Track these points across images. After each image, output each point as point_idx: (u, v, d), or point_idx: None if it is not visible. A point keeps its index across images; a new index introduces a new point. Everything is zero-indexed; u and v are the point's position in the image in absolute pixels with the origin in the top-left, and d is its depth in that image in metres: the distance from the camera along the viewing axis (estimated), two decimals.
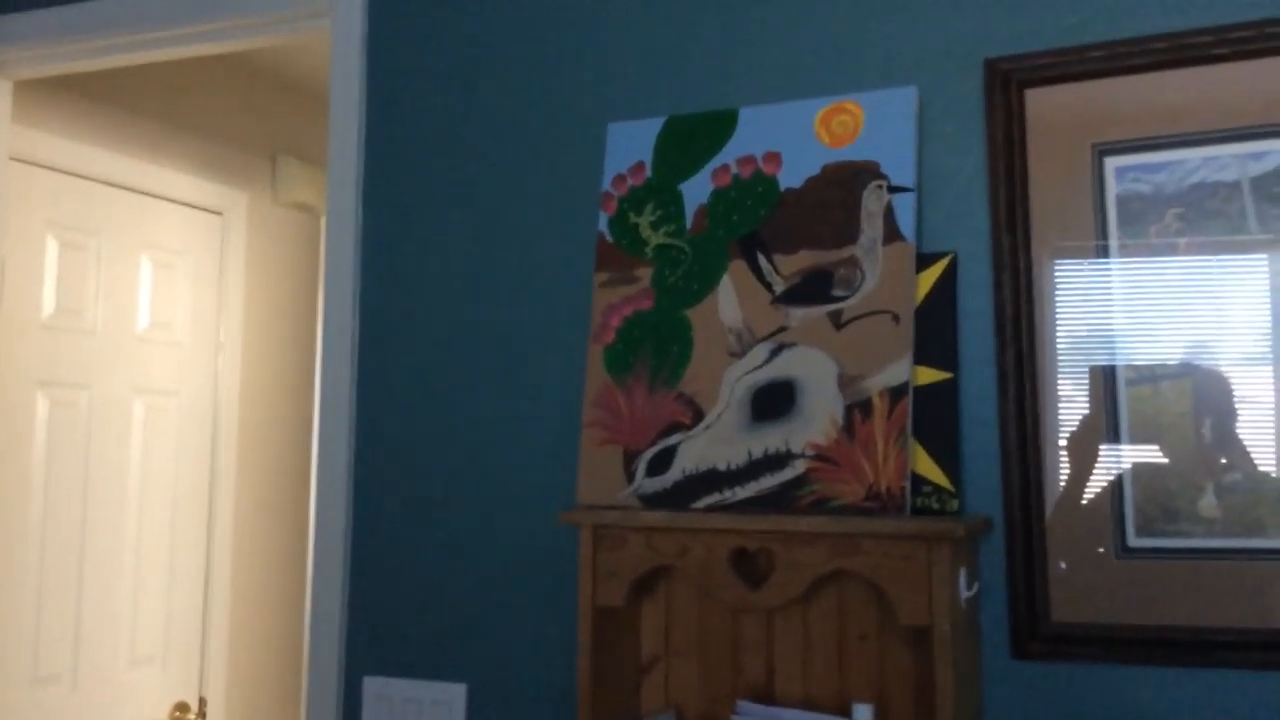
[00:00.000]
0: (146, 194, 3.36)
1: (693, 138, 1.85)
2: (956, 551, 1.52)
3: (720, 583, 1.62)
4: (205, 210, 3.58)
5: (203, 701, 3.48)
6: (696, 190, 1.83)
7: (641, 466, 1.75)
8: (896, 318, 1.65)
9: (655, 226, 1.84)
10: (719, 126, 1.84)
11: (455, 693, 1.97)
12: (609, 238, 1.87)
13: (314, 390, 4.02)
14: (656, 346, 1.79)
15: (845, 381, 1.66)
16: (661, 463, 1.74)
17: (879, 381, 1.64)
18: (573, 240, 1.96)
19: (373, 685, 2.03)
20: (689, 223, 1.82)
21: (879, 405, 1.63)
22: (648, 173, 1.87)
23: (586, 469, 1.78)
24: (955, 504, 1.63)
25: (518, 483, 1.96)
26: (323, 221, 4.11)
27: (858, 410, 1.64)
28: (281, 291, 3.88)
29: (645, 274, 1.82)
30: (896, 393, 1.62)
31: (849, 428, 1.64)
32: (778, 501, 1.66)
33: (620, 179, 1.89)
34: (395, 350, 2.08)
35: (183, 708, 3.39)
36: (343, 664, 2.05)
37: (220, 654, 3.54)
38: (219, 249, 3.63)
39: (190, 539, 3.46)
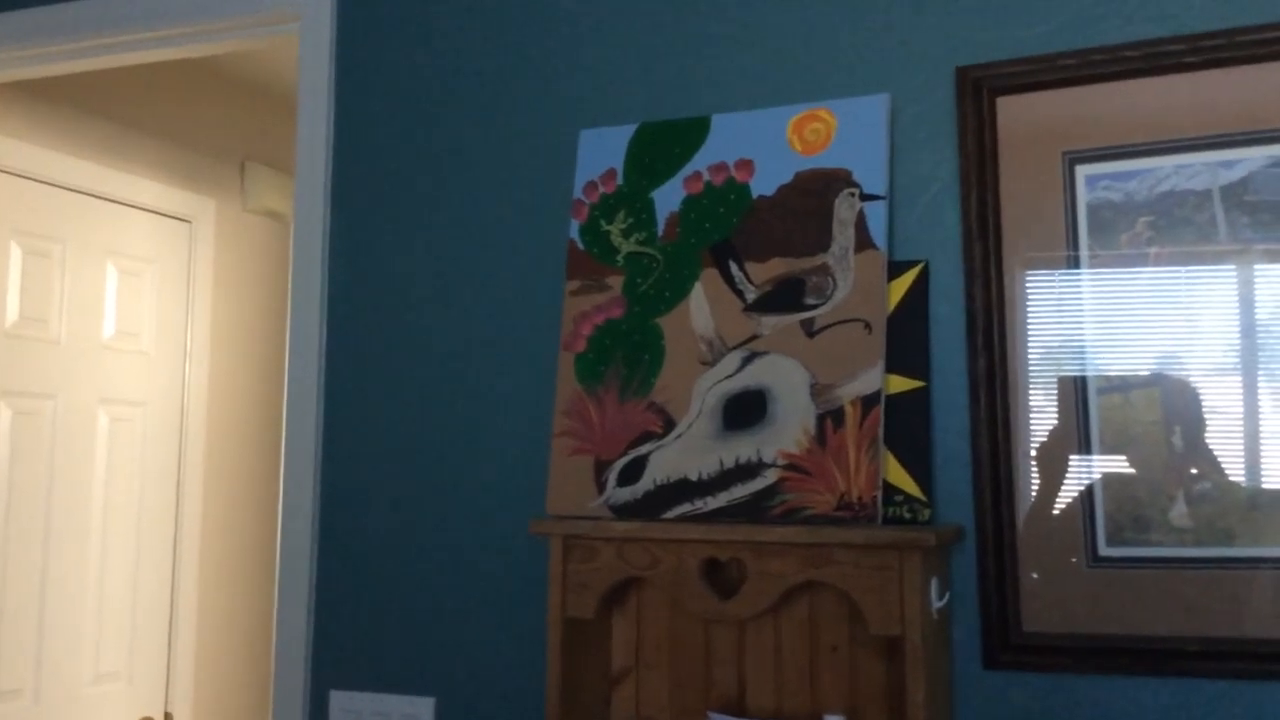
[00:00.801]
0: (113, 201, 3.32)
1: (665, 145, 1.84)
2: (928, 561, 1.51)
3: (691, 593, 1.61)
4: (173, 218, 3.54)
5: (168, 717, 3.43)
6: (668, 197, 1.81)
7: (613, 476, 1.73)
8: (869, 326, 1.64)
9: (627, 234, 1.82)
10: (691, 133, 1.83)
11: (423, 706, 1.94)
12: (580, 245, 1.85)
13: (284, 400, 3.98)
14: (628, 355, 1.77)
15: (817, 390, 1.65)
16: (633, 473, 1.72)
17: (851, 390, 1.63)
18: (544, 248, 1.94)
19: (339, 699, 2.00)
20: (660, 230, 1.81)
21: (851, 414, 1.62)
22: (619, 180, 1.86)
23: (557, 479, 1.77)
24: (927, 513, 1.62)
25: (487, 493, 1.94)
26: (291, 230, 4.09)
27: (830, 419, 1.63)
28: (250, 300, 3.85)
29: (617, 282, 1.81)
30: (869, 401, 1.61)
31: (821, 437, 1.63)
32: (749, 511, 1.64)
33: (591, 186, 1.87)
34: (363, 358, 2.05)
35: None
36: (309, 677, 2.02)
37: (186, 669, 3.49)
38: (187, 257, 3.59)
39: (156, 552, 3.41)
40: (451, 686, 1.93)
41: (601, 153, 1.88)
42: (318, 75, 2.15)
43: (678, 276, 1.77)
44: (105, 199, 3.30)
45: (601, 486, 1.74)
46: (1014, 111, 1.66)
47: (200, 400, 3.59)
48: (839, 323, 1.66)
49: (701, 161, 1.81)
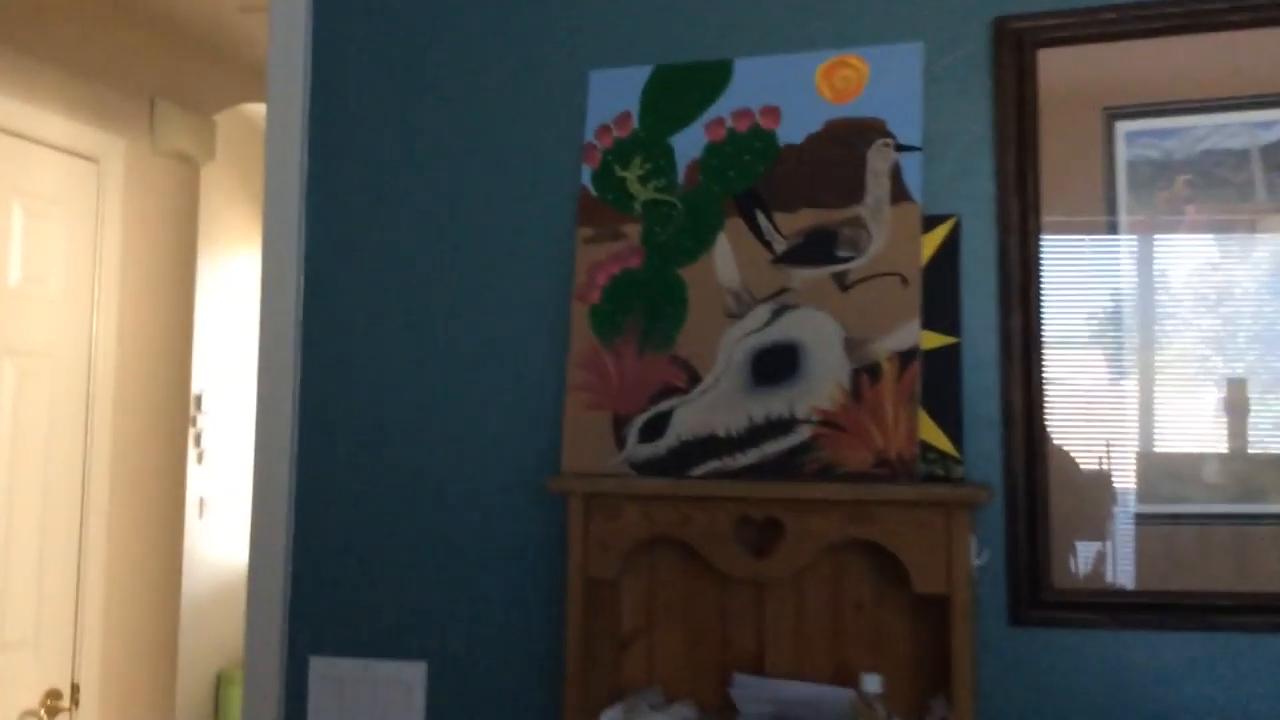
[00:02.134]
0: (16, 135, 3.07)
1: (684, 89, 1.77)
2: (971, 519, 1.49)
3: (725, 553, 1.56)
4: (80, 156, 3.29)
5: (75, 688, 3.23)
6: (689, 144, 1.74)
7: (633, 432, 1.67)
8: (904, 280, 1.60)
9: (644, 181, 1.75)
10: (712, 77, 1.76)
11: (414, 672, 1.85)
12: (592, 191, 1.77)
13: (192, 353, 3.77)
14: (647, 307, 1.70)
15: (852, 345, 1.61)
16: (655, 428, 1.66)
17: (887, 345, 1.59)
18: (551, 194, 1.85)
19: (320, 665, 1.89)
20: (681, 177, 1.73)
21: (888, 369, 1.58)
22: (634, 124, 1.77)
23: (572, 435, 1.69)
24: (960, 470, 1.60)
25: (484, 448, 1.85)
26: (204, 174, 3.85)
27: (865, 374, 1.59)
28: (161, 247, 3.62)
29: (634, 231, 1.73)
30: (906, 357, 1.58)
31: (856, 392, 1.59)
32: (782, 469, 1.60)
33: (604, 130, 1.79)
34: (346, 308, 1.93)
35: (54, 695, 3.14)
36: (286, 643, 1.90)
37: (94, 638, 3.29)
38: (94, 199, 3.36)
39: (63, 514, 3.19)
40: (444, 650, 1.84)
41: (614, 95, 1.80)
42: (292, 5, 2.00)
43: (700, 226, 1.71)
44: (8, 132, 3.05)
45: (621, 442, 1.67)
46: (1055, 65, 1.63)
47: (109, 352, 3.37)
48: (874, 276, 1.62)
49: (724, 107, 1.74)
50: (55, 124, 3.18)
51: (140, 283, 3.52)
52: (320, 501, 1.91)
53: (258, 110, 4.16)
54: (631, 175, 1.75)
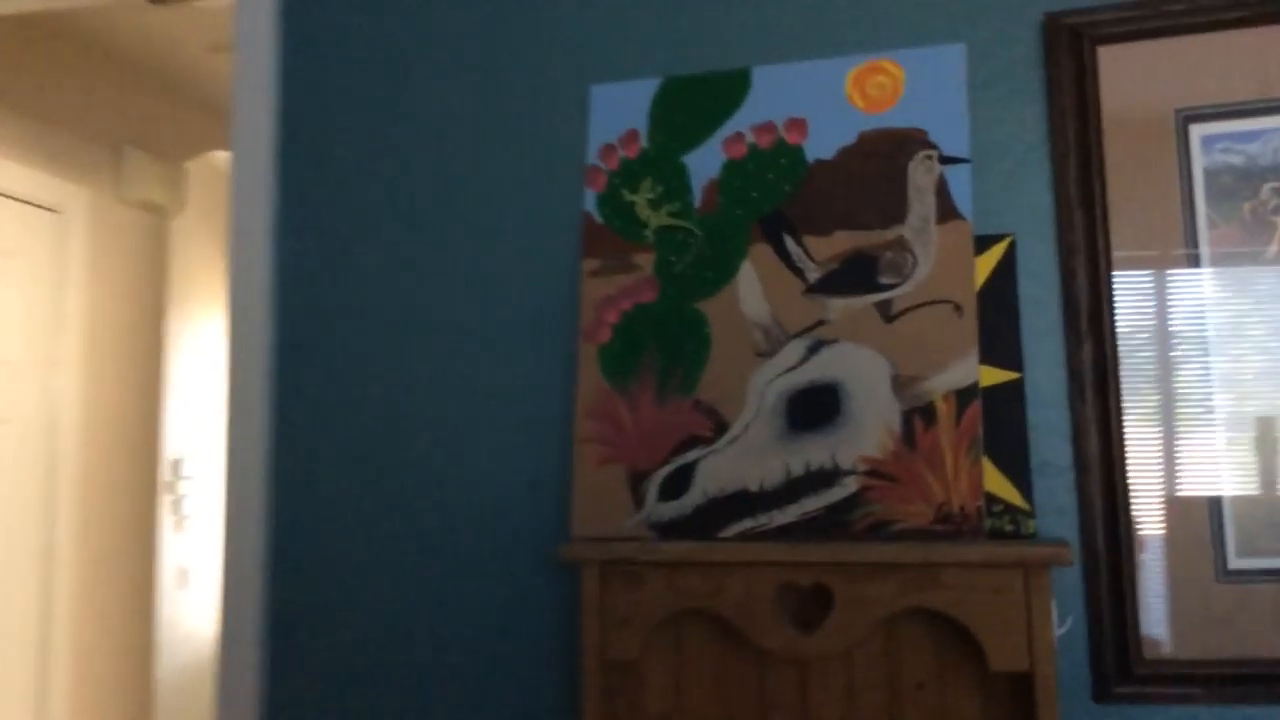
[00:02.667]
0: None
1: (697, 102, 1.58)
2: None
3: (765, 626, 1.34)
4: (40, 207, 3.10)
5: None
6: (705, 162, 1.55)
7: (653, 489, 1.46)
8: (958, 308, 1.41)
9: (656, 205, 1.55)
10: (729, 89, 1.57)
11: None
12: (598, 218, 1.57)
13: (164, 416, 3.55)
14: (665, 346, 1.50)
15: (900, 383, 1.40)
16: (678, 484, 1.45)
17: (942, 382, 1.39)
18: (551, 222, 1.65)
19: None
20: (697, 200, 1.54)
21: (944, 410, 1.38)
22: (643, 142, 1.58)
23: (583, 493, 1.48)
24: (1032, 525, 1.39)
25: (483, 513, 1.63)
26: (174, 224, 3.65)
27: (918, 416, 1.39)
28: (128, 302, 3.41)
29: (646, 260, 1.54)
30: (964, 395, 1.38)
31: (908, 437, 1.39)
32: (827, 527, 1.39)
33: (609, 150, 1.59)
34: (325, 360, 1.72)
35: None
36: None
37: (61, 715, 3.04)
38: (56, 252, 3.15)
39: (24, 590, 2.96)
40: None
41: (619, 111, 1.61)
42: (259, 17, 1.81)
43: (722, 254, 1.51)
44: None
45: (639, 501, 1.46)
46: (1118, 63, 1.45)
47: (73, 417, 3.15)
48: (923, 304, 1.42)
49: (743, 121, 1.55)
50: (12, 172, 2.98)
51: (107, 341, 3.31)
52: (297, 576, 1.69)
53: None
54: (641, 199, 1.56)
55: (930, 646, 1.43)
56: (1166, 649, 1.37)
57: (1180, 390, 1.40)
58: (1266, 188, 1.39)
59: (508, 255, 1.66)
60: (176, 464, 3.72)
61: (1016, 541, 1.32)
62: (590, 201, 1.58)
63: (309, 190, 1.76)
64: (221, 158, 3.97)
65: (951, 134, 1.47)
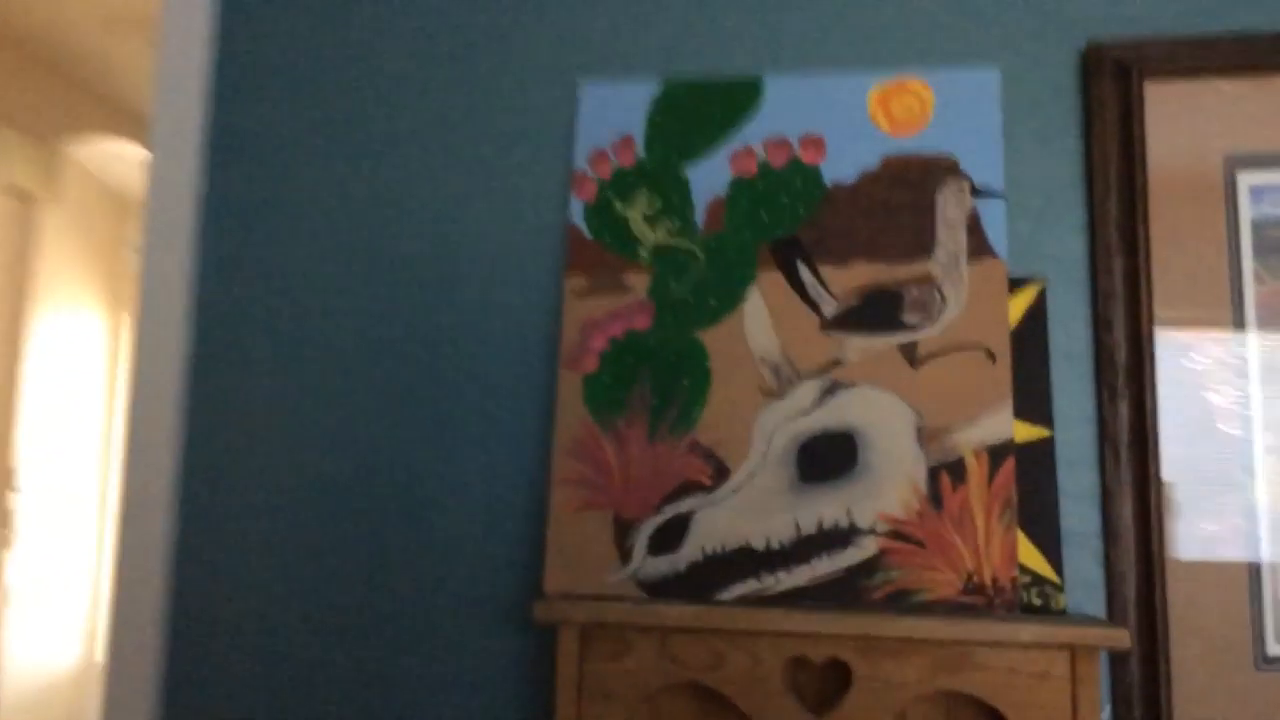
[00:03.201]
0: None
1: (702, 110, 1.42)
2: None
3: (773, 707, 1.17)
4: None
5: None
6: (710, 178, 1.39)
7: (641, 540, 1.28)
8: (991, 355, 1.27)
9: (653, 222, 1.38)
10: (738, 98, 1.42)
11: None
12: (585, 232, 1.40)
13: (12, 421, 3.21)
14: (659, 379, 1.33)
15: (927, 435, 1.26)
16: (671, 536, 1.28)
17: (972, 437, 1.25)
18: (531, 230, 1.47)
19: None
20: (700, 219, 1.38)
21: (975, 468, 1.24)
22: (639, 151, 1.42)
23: (559, 543, 1.29)
24: (1062, 600, 1.26)
25: (441, 562, 1.42)
26: (46, 215, 3.32)
27: (946, 473, 1.24)
28: None
29: (640, 282, 1.37)
30: (997, 453, 1.24)
31: (935, 496, 1.24)
32: (840, 594, 1.23)
33: (600, 156, 1.42)
34: (254, 378, 1.50)
35: None
36: None
37: None
38: None
39: None
40: None
41: (612, 114, 1.44)
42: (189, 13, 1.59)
43: (726, 280, 1.35)
44: None
45: (625, 554, 1.28)
46: (1166, 101, 1.34)
47: None
48: (952, 349, 1.28)
49: (754, 134, 1.40)
50: None
51: None
52: (205, 637, 1.45)
53: (118, 148, 3.67)
54: (636, 214, 1.39)
55: None
56: None
57: (1226, 458, 1.29)
58: None
59: (477, 265, 1.47)
60: (10, 473, 3.38)
61: (1061, 620, 1.18)
62: (577, 212, 1.40)
63: (242, 183, 1.54)
64: (109, 148, 3.65)
65: (985, 164, 1.34)
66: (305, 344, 1.48)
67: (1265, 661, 1.26)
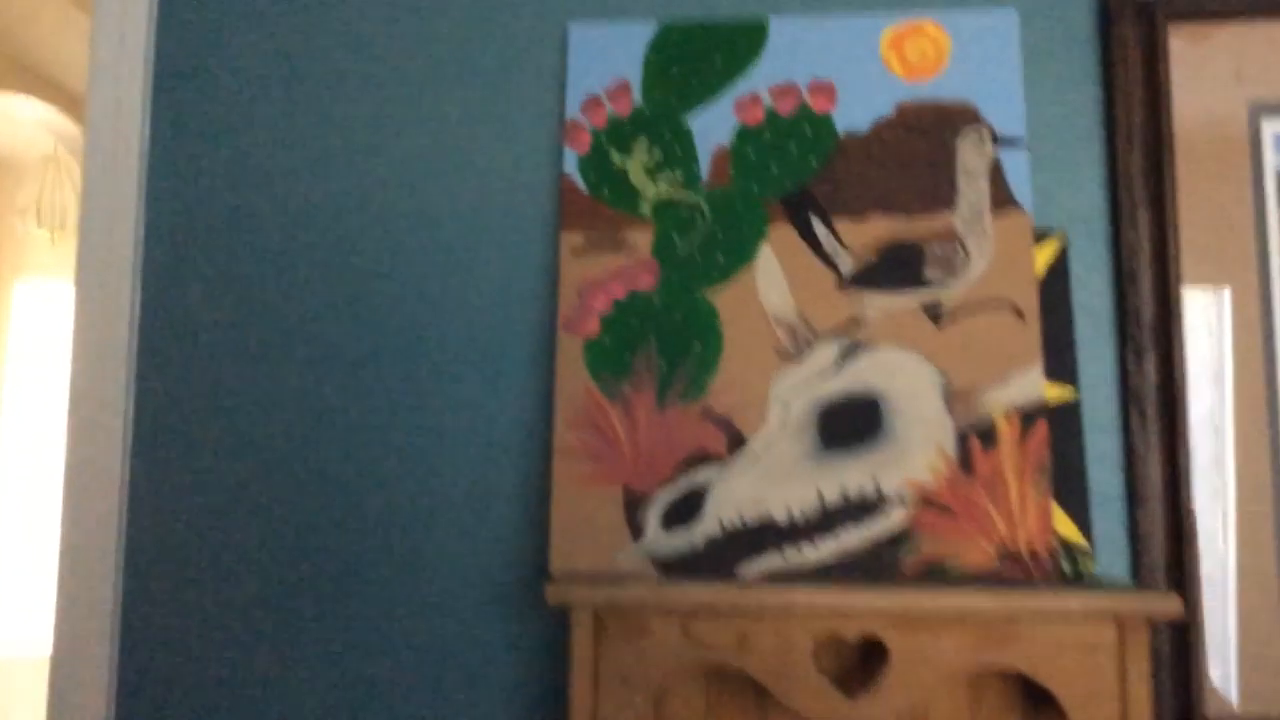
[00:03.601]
0: None
1: (702, 54, 1.33)
2: None
3: (804, 689, 1.10)
4: None
5: None
6: (714, 126, 1.30)
7: (654, 515, 1.20)
8: (1019, 312, 1.21)
9: (654, 173, 1.29)
10: (740, 41, 1.33)
11: None
12: (581, 185, 1.30)
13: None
14: (667, 342, 1.24)
15: (954, 397, 1.19)
16: (686, 510, 1.19)
17: (1003, 398, 1.19)
18: (522, 184, 1.36)
19: None
20: (704, 171, 1.29)
21: (1006, 431, 1.18)
22: (636, 98, 1.32)
23: (564, 519, 1.20)
24: (1091, 565, 1.20)
25: (438, 543, 1.32)
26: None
27: (975, 437, 1.18)
28: None
29: (642, 239, 1.27)
30: (1029, 415, 1.18)
31: (965, 461, 1.18)
32: (869, 567, 1.16)
33: (594, 103, 1.32)
34: (221, 350, 1.37)
35: None
36: None
37: None
38: None
39: None
40: None
41: (605, 58, 1.34)
42: None
43: (735, 235, 1.26)
44: None
45: (637, 530, 1.19)
46: (1189, 44, 1.29)
47: None
48: (978, 306, 1.21)
49: (760, 80, 1.31)
50: None
51: None
52: (162, 631, 1.33)
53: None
54: (635, 165, 1.30)
55: (1006, 711, 1.22)
56: (1231, 708, 1.21)
57: (1257, 417, 1.24)
58: None
59: (464, 222, 1.36)
60: None
61: (1107, 588, 1.12)
62: (571, 163, 1.30)
63: (195, 136, 1.41)
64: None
65: (1005, 111, 1.27)
66: (277, 314, 1.36)
67: None
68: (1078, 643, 1.08)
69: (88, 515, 1.35)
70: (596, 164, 1.30)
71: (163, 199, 1.39)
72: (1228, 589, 1.23)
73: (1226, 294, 1.26)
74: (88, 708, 1.32)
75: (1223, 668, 1.22)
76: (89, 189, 1.41)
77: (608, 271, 1.26)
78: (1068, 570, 1.20)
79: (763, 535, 1.18)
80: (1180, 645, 1.21)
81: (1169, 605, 1.06)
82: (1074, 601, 1.07)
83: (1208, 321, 1.26)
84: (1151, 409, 1.25)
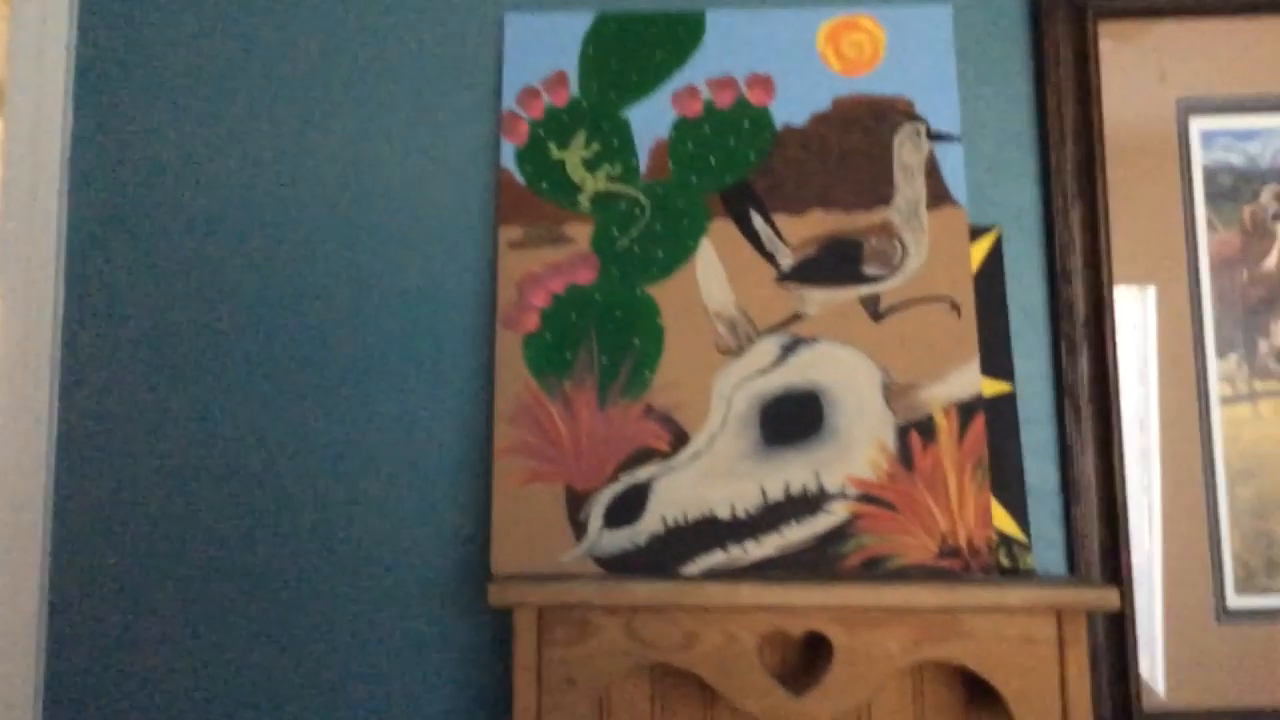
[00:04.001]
0: None
1: (639, 45, 1.31)
2: None
3: (749, 686, 1.10)
4: None
5: None
6: (652, 119, 1.29)
7: (597, 513, 1.18)
8: (955, 307, 1.22)
9: (592, 166, 1.27)
10: (678, 33, 1.31)
11: None
12: (518, 177, 1.27)
13: None
14: (607, 338, 1.22)
15: (894, 393, 1.20)
16: (628, 508, 1.18)
17: (941, 393, 1.20)
18: (457, 175, 1.33)
19: None
20: (643, 164, 1.27)
21: (945, 426, 1.19)
22: (573, 89, 1.30)
23: (504, 519, 1.18)
24: (1029, 559, 1.22)
25: (373, 544, 1.28)
26: None
27: (915, 432, 1.19)
28: None
29: (581, 233, 1.26)
30: (966, 409, 1.19)
31: (905, 457, 1.18)
32: (812, 563, 1.16)
33: (531, 94, 1.30)
34: (139, 353, 1.32)
35: None
36: None
37: None
38: None
39: None
40: None
41: (541, 48, 1.32)
42: None
43: (675, 230, 1.25)
44: None
45: (580, 529, 1.18)
46: (1119, 42, 1.30)
47: None
48: (916, 301, 1.22)
49: (697, 73, 1.30)
50: None
51: None
52: (91, 635, 1.28)
53: None
54: (573, 158, 1.28)
55: (950, 706, 1.23)
56: (1164, 702, 1.23)
57: (1184, 410, 1.27)
58: (1267, 191, 1.29)
59: (399, 216, 1.32)
60: None
61: (1046, 581, 1.14)
62: (508, 156, 1.28)
63: (115, 133, 1.35)
64: None
65: (940, 106, 1.27)
66: (207, 312, 1.31)
67: (1224, 614, 1.24)
68: (1018, 635, 1.09)
69: (11, 518, 1.29)
70: (534, 156, 1.28)
71: (85, 196, 1.34)
72: (1154, 582, 1.25)
73: (1152, 291, 1.28)
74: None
75: (1150, 660, 1.24)
76: (8, 185, 1.35)
77: (547, 266, 1.24)
78: (1006, 564, 1.21)
79: (706, 532, 1.17)
80: (1116, 638, 1.23)
81: (1107, 598, 1.07)
82: (1014, 595, 1.08)
83: (1134, 318, 1.28)
84: (1085, 405, 1.27)
